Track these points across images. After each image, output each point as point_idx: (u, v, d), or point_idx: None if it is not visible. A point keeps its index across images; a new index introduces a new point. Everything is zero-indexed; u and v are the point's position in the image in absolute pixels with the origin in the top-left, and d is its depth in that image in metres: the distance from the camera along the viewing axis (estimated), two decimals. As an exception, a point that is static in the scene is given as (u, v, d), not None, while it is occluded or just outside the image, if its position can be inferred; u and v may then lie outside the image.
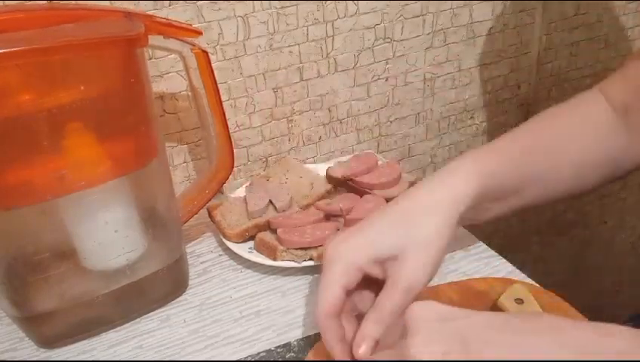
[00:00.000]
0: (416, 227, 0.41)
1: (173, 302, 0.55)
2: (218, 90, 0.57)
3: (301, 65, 0.71)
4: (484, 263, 0.56)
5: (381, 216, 0.43)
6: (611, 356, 0.30)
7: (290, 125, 0.74)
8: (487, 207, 0.47)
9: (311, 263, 0.55)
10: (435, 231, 0.41)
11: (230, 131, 0.60)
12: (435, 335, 0.33)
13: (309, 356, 0.46)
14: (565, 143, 0.51)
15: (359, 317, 0.42)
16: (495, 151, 0.48)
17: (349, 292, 0.42)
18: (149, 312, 0.54)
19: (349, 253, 0.41)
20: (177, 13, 0.62)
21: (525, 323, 0.33)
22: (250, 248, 0.59)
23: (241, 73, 0.68)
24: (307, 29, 0.69)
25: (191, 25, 0.61)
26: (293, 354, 0.48)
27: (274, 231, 0.58)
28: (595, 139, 0.51)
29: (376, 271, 0.41)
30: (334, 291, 0.40)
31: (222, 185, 0.62)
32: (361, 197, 0.62)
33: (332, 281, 0.41)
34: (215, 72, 0.56)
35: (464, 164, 0.46)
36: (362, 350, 0.39)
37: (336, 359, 0.41)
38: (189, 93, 0.65)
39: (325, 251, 0.42)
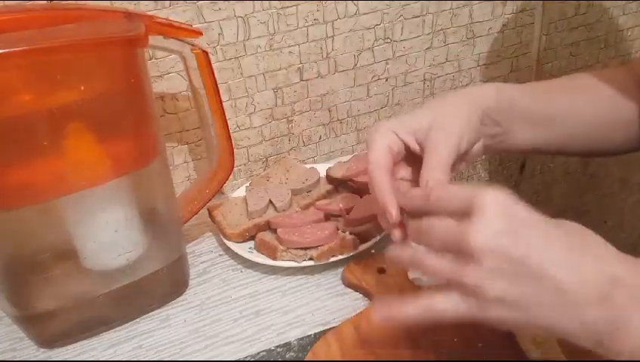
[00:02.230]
0: (445, 113, 0.48)
1: (173, 302, 0.55)
2: (218, 91, 0.57)
3: (301, 65, 0.71)
4: (484, 263, 0.56)
5: (417, 108, 0.52)
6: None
7: (290, 125, 0.74)
8: (515, 127, 0.52)
9: (311, 263, 0.55)
10: (458, 115, 0.48)
11: (230, 131, 0.60)
12: (501, 225, 0.34)
13: (309, 356, 0.46)
14: (584, 101, 0.56)
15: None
16: (516, 85, 0.54)
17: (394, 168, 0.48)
18: (149, 312, 0.54)
19: (391, 124, 0.48)
20: (178, 14, 0.62)
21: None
22: (250, 248, 0.59)
23: (242, 73, 0.68)
24: (307, 30, 0.69)
25: (191, 25, 0.61)
26: (293, 353, 0.48)
27: (274, 231, 0.58)
28: (616, 104, 0.55)
29: (412, 143, 0.48)
30: (381, 146, 0.46)
31: (222, 185, 0.62)
32: (361, 197, 0.62)
33: (378, 141, 0.46)
34: (215, 72, 0.56)
35: (487, 84, 0.55)
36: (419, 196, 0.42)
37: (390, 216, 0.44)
38: (190, 94, 0.65)
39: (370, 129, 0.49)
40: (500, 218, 0.34)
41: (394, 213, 0.43)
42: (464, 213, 0.35)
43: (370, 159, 0.46)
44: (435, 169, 0.45)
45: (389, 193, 0.44)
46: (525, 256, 0.33)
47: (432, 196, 0.39)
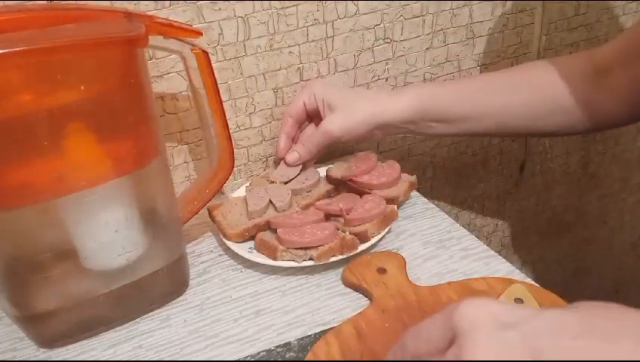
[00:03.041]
0: (354, 104, 0.63)
1: (173, 302, 0.55)
2: (218, 91, 0.57)
3: (301, 65, 0.71)
4: (484, 263, 0.56)
5: (347, 87, 0.73)
6: None
7: (290, 125, 0.74)
8: (430, 125, 0.63)
9: (311, 263, 0.55)
10: (362, 112, 0.62)
11: (230, 131, 0.60)
12: (498, 345, 0.29)
13: (309, 356, 0.46)
14: (534, 85, 0.61)
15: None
16: (442, 84, 0.65)
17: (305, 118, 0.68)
18: (149, 312, 0.54)
19: (316, 86, 0.66)
20: (178, 14, 0.62)
21: (604, 324, 0.30)
22: (250, 248, 0.59)
23: (242, 73, 0.68)
24: (307, 30, 0.69)
25: (191, 25, 0.61)
26: (293, 353, 0.48)
27: (274, 231, 0.58)
28: (568, 89, 0.60)
29: (320, 109, 0.65)
30: (297, 100, 0.66)
31: (222, 185, 0.62)
32: (361, 197, 0.62)
33: (299, 96, 0.67)
34: (215, 73, 0.56)
35: (413, 87, 0.67)
36: (289, 157, 0.65)
37: (278, 150, 0.67)
38: (190, 94, 0.65)
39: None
40: (489, 329, 0.29)
41: (282, 144, 0.66)
42: (444, 347, 0.30)
43: (287, 108, 0.66)
44: (307, 142, 0.64)
45: (284, 133, 0.66)
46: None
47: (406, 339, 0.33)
